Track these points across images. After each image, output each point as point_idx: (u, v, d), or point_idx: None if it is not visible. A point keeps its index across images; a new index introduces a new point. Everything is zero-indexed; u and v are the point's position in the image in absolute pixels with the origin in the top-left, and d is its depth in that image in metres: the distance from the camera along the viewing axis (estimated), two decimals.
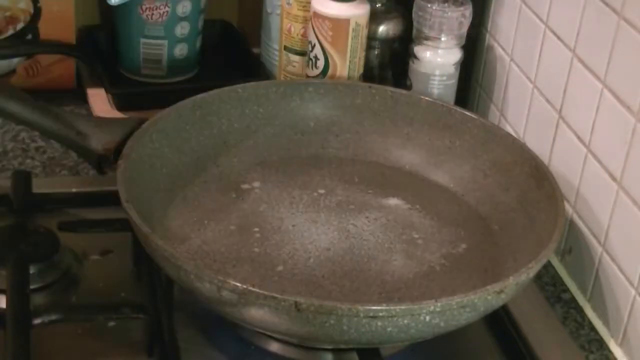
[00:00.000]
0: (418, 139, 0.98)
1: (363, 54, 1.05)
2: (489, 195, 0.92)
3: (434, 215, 0.92)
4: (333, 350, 0.79)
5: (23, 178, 0.93)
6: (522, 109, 1.01)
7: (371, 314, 0.69)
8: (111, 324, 0.81)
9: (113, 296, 0.84)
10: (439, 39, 1.03)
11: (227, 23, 1.24)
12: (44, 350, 0.78)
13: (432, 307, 0.70)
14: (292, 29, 1.07)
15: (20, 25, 1.10)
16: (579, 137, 0.90)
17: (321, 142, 0.99)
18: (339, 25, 1.02)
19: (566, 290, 0.92)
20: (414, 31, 1.05)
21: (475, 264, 0.86)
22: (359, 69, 1.05)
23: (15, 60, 1.11)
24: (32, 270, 0.83)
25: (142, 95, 1.12)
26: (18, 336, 0.75)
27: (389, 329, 0.70)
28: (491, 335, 0.84)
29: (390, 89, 1.00)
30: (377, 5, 1.08)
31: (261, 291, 0.69)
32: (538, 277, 0.91)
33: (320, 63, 1.04)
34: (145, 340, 0.80)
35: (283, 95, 0.98)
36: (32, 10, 1.09)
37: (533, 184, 0.88)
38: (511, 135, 0.95)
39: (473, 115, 0.96)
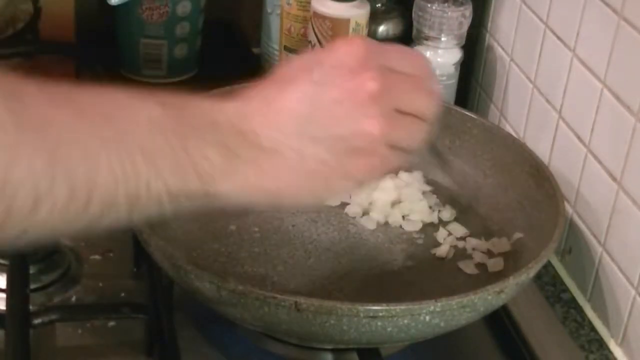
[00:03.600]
0: None
1: None
2: (489, 195, 0.92)
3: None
4: (333, 350, 0.79)
5: None
6: (522, 109, 1.01)
7: (371, 314, 0.69)
8: (111, 324, 0.81)
9: (113, 296, 0.84)
10: (439, 39, 1.03)
11: (227, 23, 1.24)
12: (44, 350, 0.78)
13: (432, 307, 0.70)
14: (292, 29, 1.07)
15: (20, 25, 1.10)
16: (579, 137, 0.90)
17: None
18: (339, 25, 1.02)
19: (566, 290, 0.92)
20: (414, 31, 1.05)
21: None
22: None
23: (15, 60, 1.10)
24: (32, 270, 0.83)
25: None
26: (18, 336, 0.75)
27: (389, 329, 0.70)
28: (491, 335, 0.84)
29: None
30: (377, 5, 1.08)
31: (261, 291, 0.69)
32: (538, 277, 0.91)
33: None
34: (145, 340, 0.80)
35: None
36: (32, 10, 1.09)
37: (533, 184, 0.88)
38: (511, 135, 0.95)
39: (473, 115, 0.96)
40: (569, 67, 0.92)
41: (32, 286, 0.82)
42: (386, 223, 0.90)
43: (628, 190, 0.83)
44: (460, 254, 0.87)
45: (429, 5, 1.02)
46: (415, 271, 0.85)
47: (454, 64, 1.05)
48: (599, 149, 0.87)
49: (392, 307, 0.69)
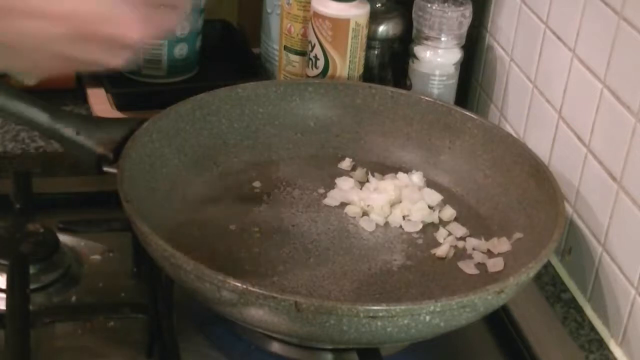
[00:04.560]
0: (418, 139, 0.98)
1: (363, 54, 1.05)
2: (489, 195, 0.92)
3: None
4: (333, 350, 0.79)
5: (23, 178, 0.93)
6: (522, 109, 1.01)
7: (371, 314, 0.69)
8: (111, 324, 0.81)
9: (113, 296, 0.84)
10: (439, 39, 1.03)
11: (227, 23, 1.24)
12: (44, 350, 0.78)
13: (432, 307, 0.70)
14: (292, 29, 1.07)
15: None
16: (579, 137, 0.90)
17: (321, 142, 0.99)
18: (339, 25, 1.02)
19: (566, 290, 0.92)
20: (414, 31, 1.05)
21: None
22: (359, 69, 1.05)
23: None
24: (32, 270, 0.83)
25: (142, 95, 1.12)
26: (18, 336, 0.76)
27: (389, 329, 0.70)
28: (491, 335, 0.84)
29: (390, 89, 1.00)
30: (377, 5, 1.08)
31: (261, 291, 0.69)
32: (538, 277, 0.91)
33: (320, 63, 1.04)
34: (145, 340, 0.80)
35: (283, 95, 0.98)
36: None
37: (533, 184, 0.88)
38: (511, 135, 0.95)
39: (473, 115, 0.96)
40: (569, 67, 0.92)
41: (32, 286, 0.82)
42: (386, 223, 0.90)
43: (628, 190, 0.83)
44: (460, 254, 0.87)
45: (429, 5, 1.02)
46: (415, 271, 0.85)
47: (454, 64, 1.05)
48: (599, 149, 0.87)
49: (392, 307, 0.69)
